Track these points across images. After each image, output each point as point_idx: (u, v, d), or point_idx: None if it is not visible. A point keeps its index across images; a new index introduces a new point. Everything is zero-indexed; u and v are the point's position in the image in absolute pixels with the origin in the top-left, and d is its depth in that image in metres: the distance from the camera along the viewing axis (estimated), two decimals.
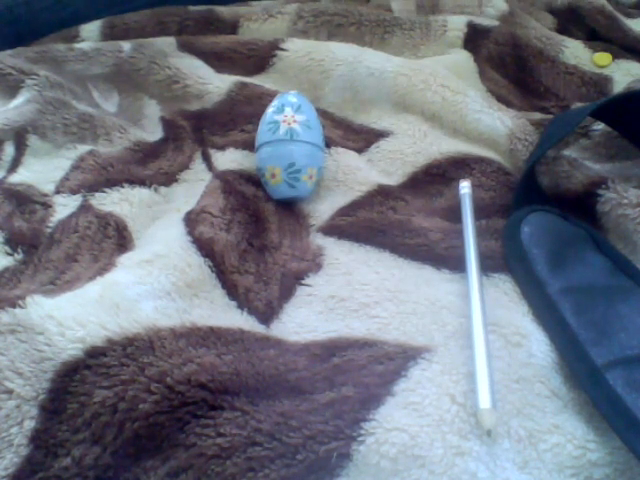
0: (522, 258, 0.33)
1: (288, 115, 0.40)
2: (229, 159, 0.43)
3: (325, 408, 0.26)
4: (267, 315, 0.32)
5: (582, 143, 0.44)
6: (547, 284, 0.31)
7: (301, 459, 0.24)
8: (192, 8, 0.56)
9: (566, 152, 0.42)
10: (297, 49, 0.50)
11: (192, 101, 0.49)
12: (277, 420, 0.25)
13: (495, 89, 0.49)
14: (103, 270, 0.32)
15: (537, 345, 0.29)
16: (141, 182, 0.41)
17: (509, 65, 0.52)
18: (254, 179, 0.40)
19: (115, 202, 0.39)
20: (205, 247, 0.33)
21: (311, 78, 0.49)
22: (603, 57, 0.51)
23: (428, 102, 0.46)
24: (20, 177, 0.41)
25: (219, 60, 0.51)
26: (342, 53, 0.49)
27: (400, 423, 0.26)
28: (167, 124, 0.48)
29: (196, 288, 0.32)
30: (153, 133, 0.47)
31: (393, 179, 0.42)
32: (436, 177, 0.42)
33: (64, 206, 0.39)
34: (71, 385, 0.26)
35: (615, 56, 0.51)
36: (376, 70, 0.48)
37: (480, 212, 0.38)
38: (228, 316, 0.31)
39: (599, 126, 0.44)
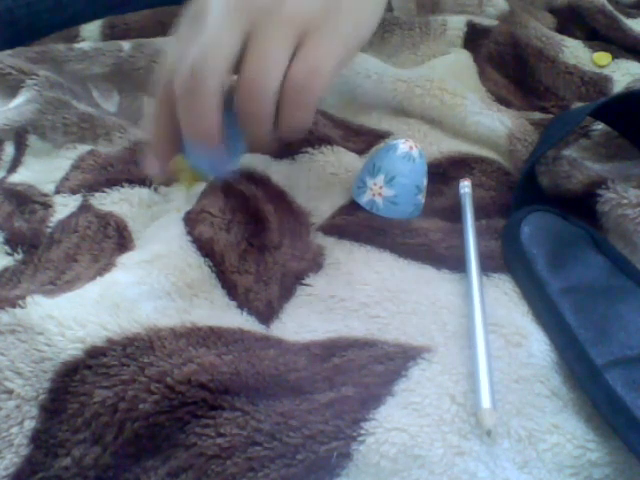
0: (522, 258, 0.33)
1: (377, 184, 0.37)
2: None
3: (325, 408, 0.26)
4: (267, 315, 0.32)
5: (582, 143, 0.44)
6: (547, 284, 0.31)
7: (301, 459, 0.24)
8: None
9: (566, 152, 0.42)
10: None
11: None
12: (277, 420, 0.25)
13: (495, 89, 0.49)
14: (103, 270, 0.32)
15: (537, 345, 0.29)
16: (141, 182, 0.41)
17: (509, 65, 0.52)
18: (254, 178, 0.40)
19: (115, 202, 0.39)
20: (205, 247, 0.33)
21: None
22: (603, 57, 0.51)
23: (427, 107, 0.46)
24: (20, 177, 0.41)
25: None
26: None
27: (400, 423, 0.26)
28: None
29: (196, 288, 0.32)
30: None
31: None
32: (436, 176, 0.42)
33: (64, 206, 0.39)
34: (71, 385, 0.26)
35: (615, 56, 0.51)
36: (375, 74, 0.48)
37: (480, 212, 0.38)
38: (228, 316, 0.31)
39: (599, 126, 0.44)
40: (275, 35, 0.30)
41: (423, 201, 0.38)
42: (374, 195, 0.37)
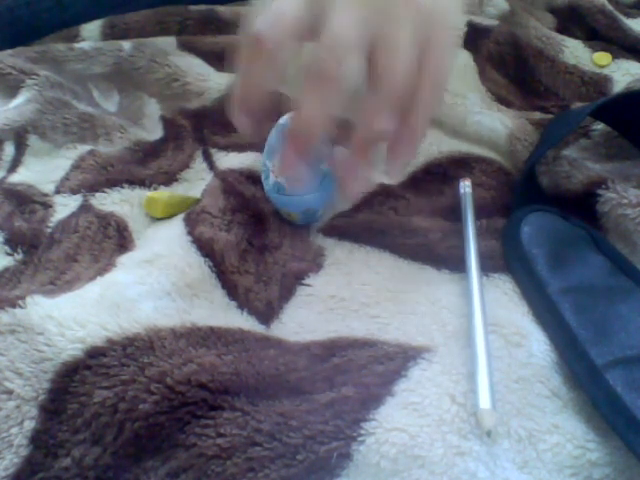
0: (522, 258, 0.33)
1: (276, 165, 0.34)
2: (231, 158, 0.43)
3: (325, 408, 0.26)
4: (267, 315, 0.32)
5: (582, 143, 0.44)
6: (547, 284, 0.31)
7: (301, 459, 0.24)
8: (192, 8, 0.56)
9: (566, 152, 0.42)
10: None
11: (192, 99, 0.49)
12: (277, 420, 0.25)
13: (495, 89, 0.49)
14: (103, 270, 0.32)
15: (537, 345, 0.29)
16: (141, 182, 0.41)
17: (509, 65, 0.52)
18: (254, 178, 0.40)
19: (115, 202, 0.39)
20: (205, 247, 0.33)
21: None
22: (603, 57, 0.51)
23: None
24: (20, 177, 0.41)
25: (219, 60, 0.51)
26: None
27: (400, 423, 0.26)
28: (167, 123, 0.48)
29: (196, 288, 0.32)
30: (153, 132, 0.47)
31: (393, 179, 0.42)
32: (436, 176, 0.42)
33: (64, 206, 0.39)
34: (71, 385, 0.26)
35: (615, 56, 0.51)
36: None
37: (481, 211, 0.38)
38: (228, 316, 0.31)
39: (599, 126, 0.44)
40: (406, 27, 0.24)
41: (332, 178, 0.35)
42: (277, 177, 0.35)
